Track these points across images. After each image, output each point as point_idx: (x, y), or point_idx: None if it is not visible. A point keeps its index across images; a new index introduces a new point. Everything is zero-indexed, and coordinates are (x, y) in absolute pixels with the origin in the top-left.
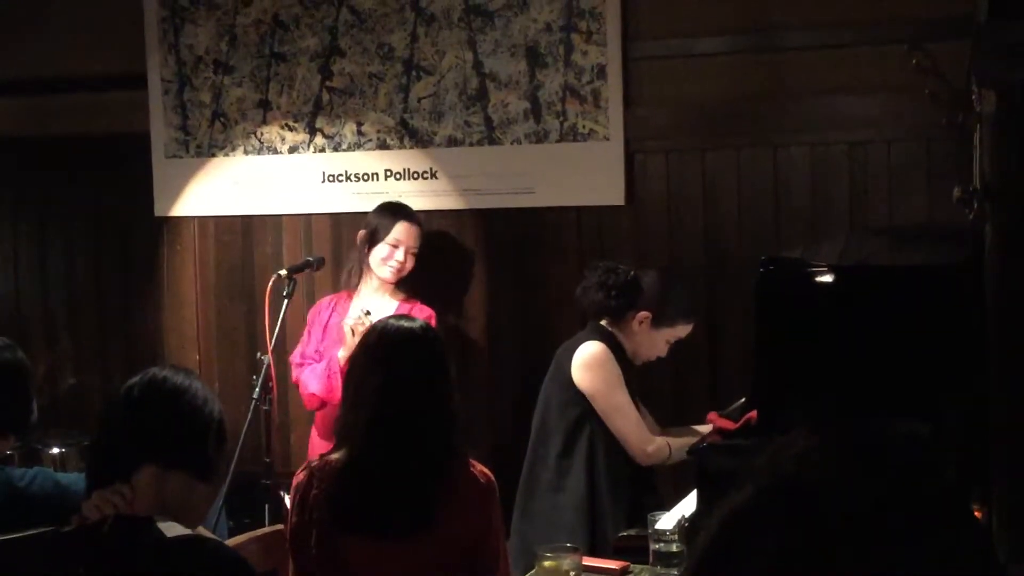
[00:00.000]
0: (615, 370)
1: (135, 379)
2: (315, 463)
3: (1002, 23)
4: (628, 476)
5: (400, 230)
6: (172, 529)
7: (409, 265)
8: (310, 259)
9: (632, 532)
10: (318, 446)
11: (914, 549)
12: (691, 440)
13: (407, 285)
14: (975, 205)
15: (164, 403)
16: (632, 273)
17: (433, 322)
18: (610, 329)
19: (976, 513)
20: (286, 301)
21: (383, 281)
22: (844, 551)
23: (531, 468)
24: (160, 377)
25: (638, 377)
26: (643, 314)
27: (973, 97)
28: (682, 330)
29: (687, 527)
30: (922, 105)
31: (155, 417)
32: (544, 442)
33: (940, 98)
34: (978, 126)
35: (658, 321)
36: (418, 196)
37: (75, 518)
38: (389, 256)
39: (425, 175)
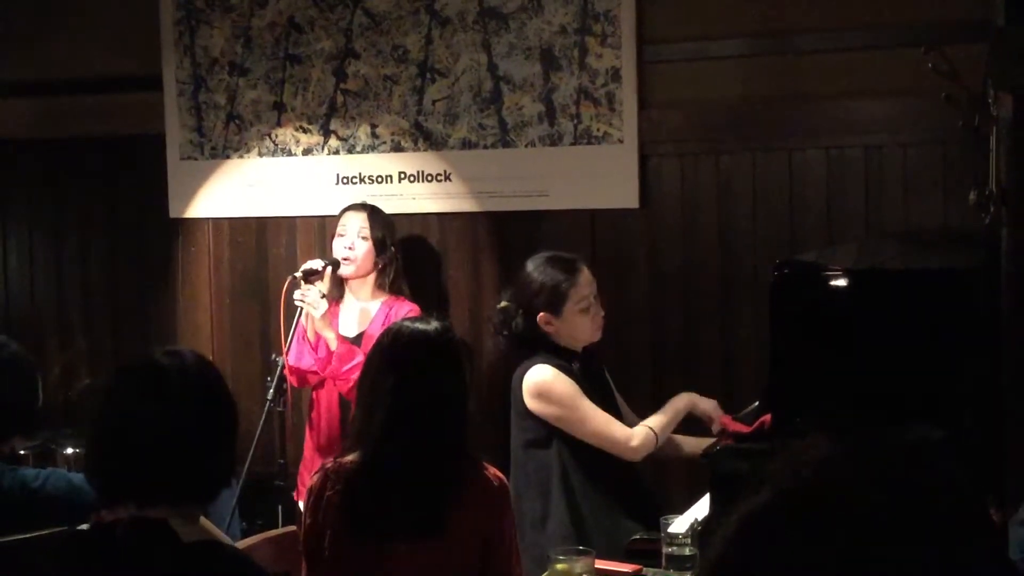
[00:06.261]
0: (568, 385)
1: None
2: (330, 465)
3: (1019, 26)
4: (613, 491)
5: (346, 217)
6: (187, 532)
7: (361, 252)
8: (324, 261)
9: (645, 535)
10: (310, 460)
11: (932, 554)
12: (672, 416)
13: (406, 285)
14: (991, 209)
15: None
16: (505, 306)
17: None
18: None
19: (992, 517)
20: None
21: (347, 279)
22: (862, 555)
23: (516, 502)
24: None
25: (623, 374)
26: (541, 316)
27: (989, 100)
28: (576, 294)
29: (700, 530)
30: (938, 108)
31: None
32: (519, 472)
33: (956, 101)
34: (994, 129)
35: (553, 309)
36: (432, 198)
37: (93, 516)
38: (339, 246)
39: (439, 177)
